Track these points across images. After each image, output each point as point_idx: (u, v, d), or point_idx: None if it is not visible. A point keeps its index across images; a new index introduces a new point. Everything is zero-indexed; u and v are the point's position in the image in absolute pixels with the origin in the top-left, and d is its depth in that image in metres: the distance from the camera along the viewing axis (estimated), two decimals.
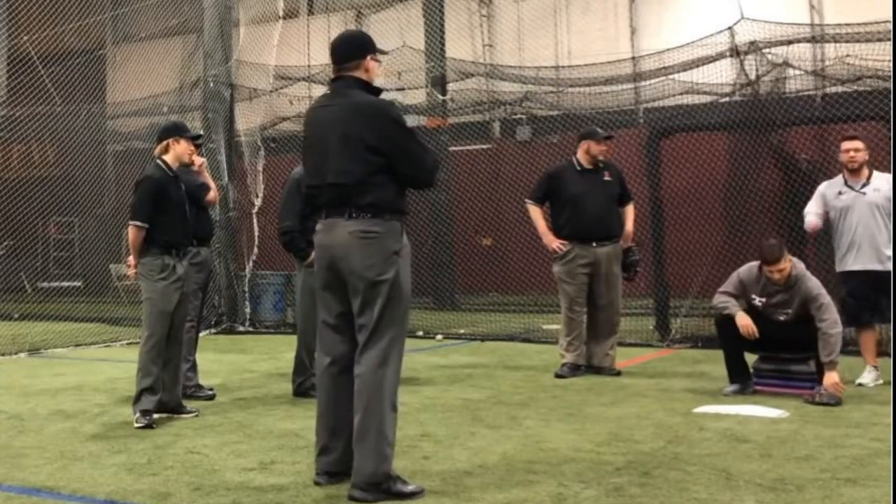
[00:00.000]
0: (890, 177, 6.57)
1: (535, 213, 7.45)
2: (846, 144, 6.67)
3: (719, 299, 6.27)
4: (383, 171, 3.82)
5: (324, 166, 3.89)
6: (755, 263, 6.23)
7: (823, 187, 6.86)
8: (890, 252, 6.39)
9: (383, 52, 4.15)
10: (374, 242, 3.78)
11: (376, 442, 3.70)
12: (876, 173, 6.67)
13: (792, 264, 6.04)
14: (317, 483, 3.93)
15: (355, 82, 3.96)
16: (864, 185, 6.61)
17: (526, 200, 7.57)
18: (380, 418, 3.73)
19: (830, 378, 5.77)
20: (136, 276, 5.75)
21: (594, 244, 7.20)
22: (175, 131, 5.82)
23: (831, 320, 5.87)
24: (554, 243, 7.26)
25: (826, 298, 5.98)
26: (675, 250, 10.47)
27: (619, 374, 7.18)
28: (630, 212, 7.50)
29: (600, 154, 7.33)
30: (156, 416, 5.47)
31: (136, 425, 5.33)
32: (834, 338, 5.82)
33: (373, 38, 4.09)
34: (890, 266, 6.35)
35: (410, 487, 3.77)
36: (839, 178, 6.78)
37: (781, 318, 6.12)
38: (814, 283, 6.05)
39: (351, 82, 3.96)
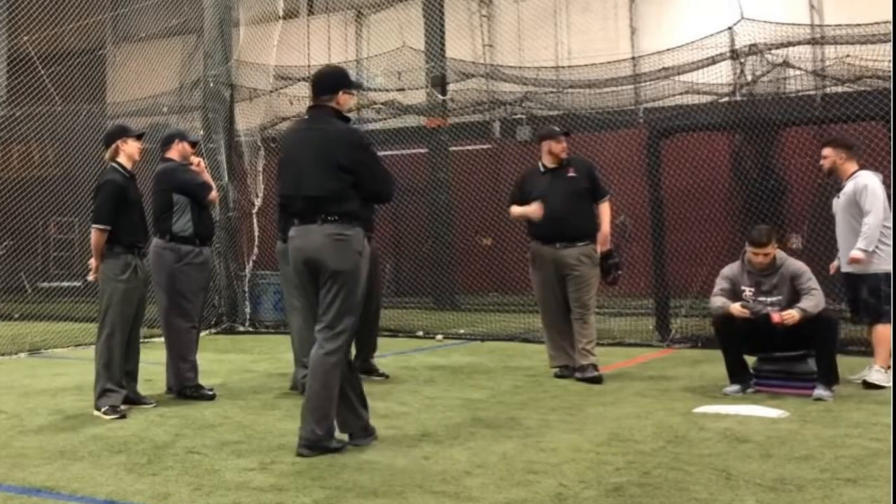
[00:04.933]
0: (856, 179, 6.50)
1: (514, 210, 7.26)
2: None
3: (715, 302, 6.30)
4: (351, 187, 4.58)
5: (300, 181, 4.62)
6: (735, 261, 6.40)
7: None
8: (851, 253, 6.40)
9: (359, 87, 4.80)
10: (343, 243, 4.55)
11: (330, 407, 4.53)
12: (857, 173, 6.58)
13: (777, 252, 6.22)
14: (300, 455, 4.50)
15: (331, 111, 4.72)
16: (841, 190, 6.69)
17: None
18: (335, 386, 4.54)
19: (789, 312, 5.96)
20: (96, 279, 5.88)
21: (558, 245, 6.98)
22: (121, 133, 5.95)
23: (819, 293, 6.03)
24: (532, 207, 6.95)
25: (811, 275, 6.14)
26: (675, 250, 10.46)
27: (600, 380, 6.78)
28: (605, 210, 7.10)
29: (562, 152, 7.13)
30: (123, 406, 5.69)
31: (106, 417, 5.54)
32: (815, 304, 5.99)
33: (348, 74, 4.89)
34: (851, 268, 6.45)
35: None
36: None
37: (774, 303, 6.14)
38: (799, 263, 6.27)
39: (328, 111, 4.72)
